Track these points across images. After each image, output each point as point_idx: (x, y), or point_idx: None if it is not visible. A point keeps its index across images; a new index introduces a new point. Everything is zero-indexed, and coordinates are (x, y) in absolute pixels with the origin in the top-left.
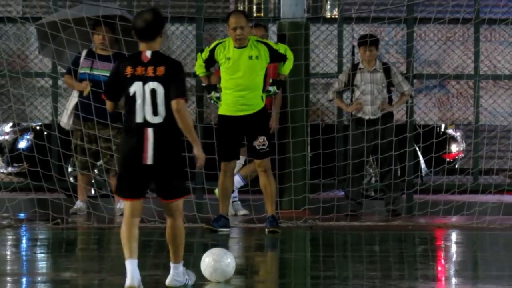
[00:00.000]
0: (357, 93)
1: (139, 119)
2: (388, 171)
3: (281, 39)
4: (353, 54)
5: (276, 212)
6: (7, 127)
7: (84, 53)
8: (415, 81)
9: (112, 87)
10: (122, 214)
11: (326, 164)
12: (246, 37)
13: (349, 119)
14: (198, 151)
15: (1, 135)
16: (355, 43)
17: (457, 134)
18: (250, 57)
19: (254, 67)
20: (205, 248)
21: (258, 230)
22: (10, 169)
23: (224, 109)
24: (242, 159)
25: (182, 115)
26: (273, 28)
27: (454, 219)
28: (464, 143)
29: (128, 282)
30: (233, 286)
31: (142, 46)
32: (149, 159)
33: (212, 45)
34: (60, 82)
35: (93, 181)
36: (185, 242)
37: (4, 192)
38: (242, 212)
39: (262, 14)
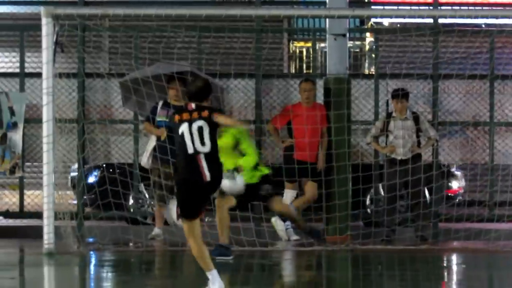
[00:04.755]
0: (391, 137)
1: None
2: (417, 203)
3: (327, 92)
4: (387, 104)
5: (320, 237)
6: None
7: (160, 103)
8: (439, 127)
9: None
10: None
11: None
12: None
13: (384, 160)
14: None
15: (74, 172)
16: (389, 96)
17: (458, 173)
18: None
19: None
20: (263, 268)
21: (308, 252)
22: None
23: None
24: (294, 193)
25: None
26: (320, 82)
27: (473, 243)
28: (463, 181)
29: None
30: None
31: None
32: None
33: None
34: (140, 127)
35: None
36: (246, 263)
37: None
38: (294, 237)
39: (311, 71)
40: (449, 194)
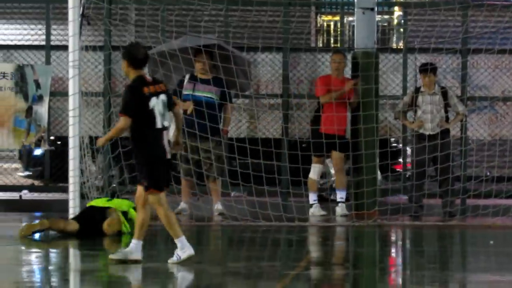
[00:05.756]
0: (419, 112)
1: None
2: (446, 179)
3: (354, 66)
4: (415, 79)
5: (346, 214)
6: None
7: (187, 77)
8: (468, 102)
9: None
10: (219, 214)
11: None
12: None
13: (412, 135)
14: None
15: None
16: (417, 70)
17: (407, 149)
18: None
19: None
20: (290, 243)
21: (335, 228)
22: (26, 173)
23: None
24: (321, 167)
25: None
26: (348, 56)
27: (501, 220)
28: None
29: None
30: (312, 276)
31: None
32: None
33: None
34: None
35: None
36: (273, 238)
37: None
38: (322, 212)
39: (338, 45)
40: (396, 170)
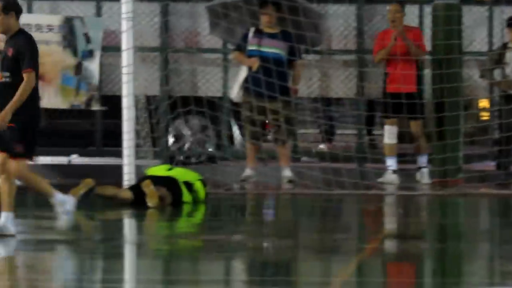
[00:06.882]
0: (507, 70)
1: None
2: None
3: (435, 20)
4: (502, 34)
5: (428, 182)
6: None
7: (252, 30)
8: None
9: None
10: (289, 181)
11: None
12: None
13: (500, 95)
14: None
15: None
16: (504, 24)
17: None
18: None
19: None
20: (366, 213)
21: (415, 197)
22: None
23: None
24: (393, 129)
25: None
26: (427, 9)
27: None
28: None
29: None
30: (390, 250)
31: None
32: None
33: None
34: (230, 57)
35: None
36: (347, 208)
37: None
38: (397, 180)
39: None
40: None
